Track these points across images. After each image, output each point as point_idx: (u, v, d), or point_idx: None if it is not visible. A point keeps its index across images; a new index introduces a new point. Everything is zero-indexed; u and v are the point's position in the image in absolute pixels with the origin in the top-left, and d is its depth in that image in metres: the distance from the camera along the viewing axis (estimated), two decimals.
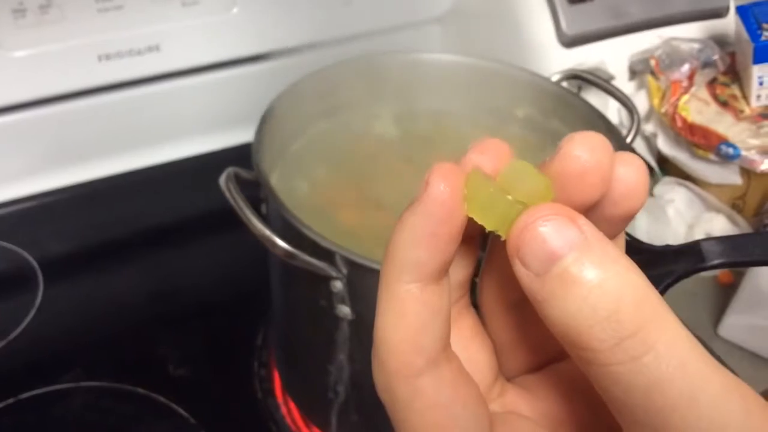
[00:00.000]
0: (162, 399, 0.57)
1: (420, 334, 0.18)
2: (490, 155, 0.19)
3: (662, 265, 0.24)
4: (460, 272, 0.21)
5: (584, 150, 0.18)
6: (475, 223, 0.19)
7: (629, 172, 0.19)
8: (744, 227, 0.68)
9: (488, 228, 0.18)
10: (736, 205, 0.70)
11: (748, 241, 0.25)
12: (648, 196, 0.19)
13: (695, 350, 0.16)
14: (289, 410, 0.59)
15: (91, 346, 0.62)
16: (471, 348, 0.22)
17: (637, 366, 0.16)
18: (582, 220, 0.17)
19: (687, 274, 0.26)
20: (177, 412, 0.57)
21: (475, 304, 0.23)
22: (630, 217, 0.19)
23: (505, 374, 0.23)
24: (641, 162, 0.19)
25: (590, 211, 0.19)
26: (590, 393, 0.20)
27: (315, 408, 0.56)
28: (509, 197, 0.18)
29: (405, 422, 0.19)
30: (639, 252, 0.24)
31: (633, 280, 0.17)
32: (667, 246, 0.24)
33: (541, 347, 0.22)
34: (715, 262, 0.24)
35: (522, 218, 0.17)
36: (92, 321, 0.64)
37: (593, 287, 0.16)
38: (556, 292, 0.17)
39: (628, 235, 0.26)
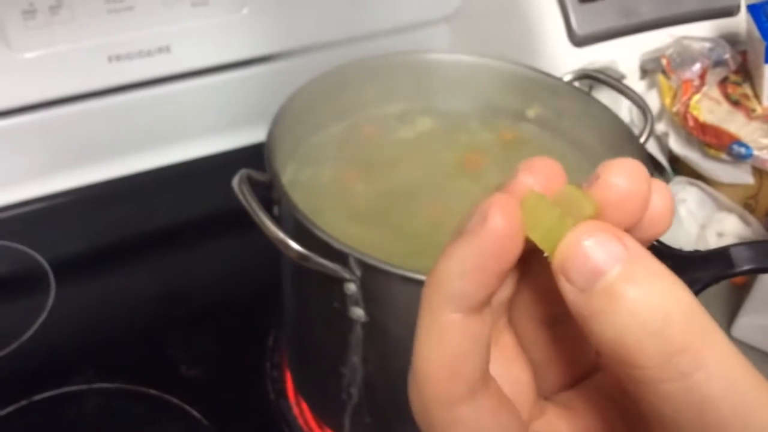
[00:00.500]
0: (174, 400, 0.57)
1: (460, 362, 0.18)
2: (541, 175, 0.19)
3: (691, 270, 0.24)
4: (501, 293, 0.21)
5: (623, 178, 0.18)
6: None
7: (658, 199, 0.19)
8: (756, 227, 0.68)
9: (540, 245, 0.18)
10: (749, 204, 0.70)
11: None
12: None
13: (745, 367, 0.16)
14: (301, 411, 0.59)
15: (104, 347, 0.62)
16: (515, 367, 0.22)
17: (688, 383, 0.16)
18: (627, 237, 0.17)
19: (716, 280, 0.25)
20: (189, 413, 0.57)
21: None
22: (653, 240, 0.20)
23: (543, 392, 0.22)
24: (668, 188, 0.19)
25: None
26: (625, 405, 0.20)
27: (328, 409, 0.56)
28: (559, 214, 0.18)
29: None
30: (668, 257, 0.24)
31: (680, 295, 0.16)
32: (696, 251, 0.24)
33: (575, 363, 0.22)
34: (745, 267, 0.24)
35: (568, 236, 0.17)
36: (104, 322, 0.64)
37: (640, 302, 0.16)
38: (602, 308, 0.16)
39: (657, 240, 0.26)
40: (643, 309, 0.16)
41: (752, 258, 0.24)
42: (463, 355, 0.18)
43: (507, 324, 0.22)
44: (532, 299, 0.21)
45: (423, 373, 0.18)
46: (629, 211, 0.18)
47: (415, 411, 0.19)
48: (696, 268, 0.24)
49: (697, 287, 0.26)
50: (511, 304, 0.22)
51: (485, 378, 0.19)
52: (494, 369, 0.20)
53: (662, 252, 0.24)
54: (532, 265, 0.21)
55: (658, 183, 0.19)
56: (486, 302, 0.18)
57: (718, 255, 0.24)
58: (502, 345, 0.22)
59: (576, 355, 0.22)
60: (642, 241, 0.19)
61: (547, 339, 0.22)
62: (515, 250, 0.18)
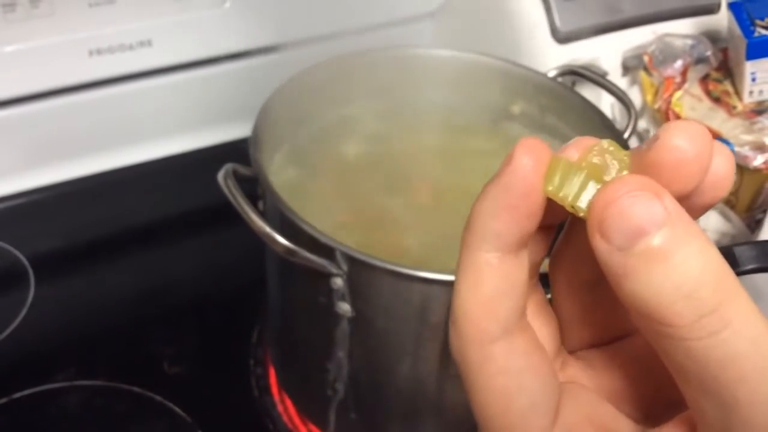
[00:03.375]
0: (157, 397, 0.57)
1: (496, 302, 0.19)
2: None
3: None
4: (533, 256, 0.21)
5: (684, 140, 0.18)
6: (556, 210, 0.19)
7: (720, 162, 0.19)
8: (737, 223, 0.68)
9: (567, 205, 0.18)
10: (729, 200, 0.70)
11: None
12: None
13: (766, 327, 0.17)
14: (285, 408, 0.58)
15: (85, 344, 0.62)
16: (537, 322, 0.22)
17: (714, 341, 0.16)
18: (666, 196, 0.17)
19: None
20: (172, 410, 0.56)
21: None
22: (712, 206, 0.20)
23: (568, 348, 0.23)
24: (729, 151, 0.19)
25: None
26: (652, 370, 0.21)
27: (312, 406, 0.56)
28: (594, 176, 0.18)
29: (475, 385, 0.20)
30: None
31: (713, 257, 0.17)
32: None
33: (607, 325, 0.23)
34: (748, 267, 0.24)
35: (607, 192, 0.17)
36: (85, 319, 0.64)
37: (677, 265, 0.16)
38: (638, 268, 0.17)
39: None
40: (680, 271, 0.16)
41: (756, 257, 0.24)
42: (498, 295, 0.19)
43: (536, 284, 0.22)
44: (572, 260, 0.22)
45: (460, 310, 0.19)
46: (690, 175, 0.18)
47: (452, 347, 0.20)
48: None
49: None
50: (551, 264, 0.22)
51: (521, 320, 0.20)
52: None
53: None
54: (575, 227, 0.21)
55: (720, 145, 0.19)
56: (521, 243, 0.19)
57: (723, 254, 0.24)
58: (533, 299, 0.22)
59: (608, 318, 0.22)
60: (702, 206, 0.19)
61: (582, 299, 0.22)
62: (540, 188, 0.18)
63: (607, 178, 0.18)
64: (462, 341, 0.19)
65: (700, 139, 0.18)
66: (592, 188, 0.18)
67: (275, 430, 0.57)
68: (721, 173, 0.19)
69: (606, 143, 0.19)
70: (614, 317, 0.22)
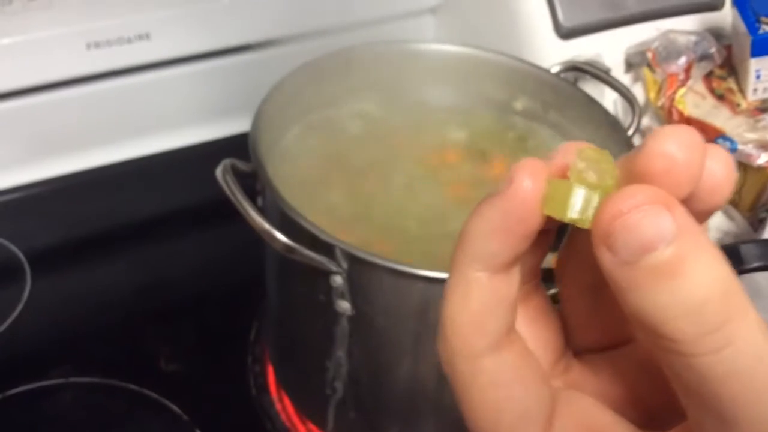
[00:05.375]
0: (154, 395, 0.56)
1: (484, 318, 0.19)
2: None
3: None
4: (532, 259, 0.21)
5: (672, 146, 0.17)
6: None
7: (716, 167, 0.18)
8: (740, 222, 0.68)
9: (568, 221, 0.18)
10: (732, 199, 0.70)
11: None
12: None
13: None
14: (284, 406, 0.58)
15: (81, 340, 0.61)
16: (536, 326, 0.22)
17: (717, 358, 0.16)
18: (676, 208, 0.16)
19: None
20: (169, 408, 0.56)
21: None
22: (713, 213, 0.19)
23: (574, 349, 0.23)
24: (728, 156, 0.18)
25: None
26: (657, 376, 0.20)
27: (311, 404, 0.56)
28: (587, 186, 0.18)
29: (466, 398, 0.20)
30: None
31: (721, 273, 0.16)
32: None
33: (613, 329, 0.22)
34: (754, 264, 0.24)
35: (614, 204, 0.17)
36: (82, 315, 0.63)
37: (683, 281, 0.16)
38: (644, 283, 0.16)
39: None
40: (686, 288, 0.16)
41: (761, 256, 0.24)
42: (486, 312, 0.19)
43: (537, 286, 0.22)
44: (576, 264, 0.22)
45: (448, 326, 0.19)
46: (680, 182, 0.17)
47: (442, 361, 0.20)
48: None
49: None
50: (556, 267, 0.22)
51: (509, 334, 0.20)
52: (522, 325, 0.21)
53: None
54: (578, 232, 0.21)
55: (715, 149, 0.18)
56: (512, 263, 0.19)
57: (728, 252, 0.24)
58: (527, 305, 0.22)
59: (613, 323, 0.22)
60: (702, 213, 0.19)
61: (587, 304, 0.22)
62: (540, 212, 0.18)
63: (602, 186, 0.18)
64: (451, 355, 0.19)
65: (690, 145, 0.17)
66: (594, 201, 0.18)
67: (273, 429, 0.57)
68: (717, 178, 0.18)
69: (591, 152, 0.18)
70: (620, 321, 0.22)
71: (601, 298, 0.21)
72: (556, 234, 0.21)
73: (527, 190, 0.18)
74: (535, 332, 0.22)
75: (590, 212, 0.18)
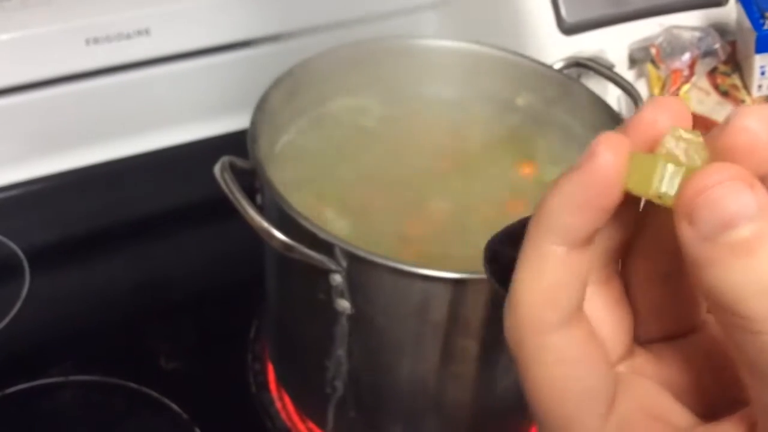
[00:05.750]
0: (154, 393, 0.56)
1: (557, 293, 0.19)
2: (669, 114, 0.19)
3: None
4: (616, 237, 0.21)
5: (755, 122, 0.17)
6: (633, 199, 0.19)
7: None
8: None
9: (651, 198, 0.18)
10: None
11: None
12: None
13: None
14: (284, 405, 0.58)
15: (81, 339, 0.61)
16: (613, 311, 0.22)
17: None
18: (758, 187, 0.17)
19: None
20: (169, 406, 0.56)
21: None
22: None
23: (640, 338, 0.23)
24: None
25: None
26: (718, 366, 0.21)
27: (311, 403, 0.55)
28: (674, 163, 0.18)
29: (531, 375, 0.20)
30: None
31: None
32: None
33: (679, 319, 0.22)
34: None
35: (699, 179, 0.17)
36: (81, 313, 0.63)
37: (761, 260, 0.16)
38: (723, 259, 0.16)
39: None
40: (762, 267, 0.16)
41: None
42: (559, 286, 0.19)
43: (618, 270, 0.22)
44: (650, 250, 0.22)
45: (520, 298, 0.19)
46: (761, 159, 0.18)
47: (508, 334, 0.20)
48: None
49: None
50: (628, 252, 0.22)
51: (578, 312, 0.20)
52: (597, 309, 0.21)
53: None
54: (652, 218, 0.21)
55: None
56: (589, 238, 0.19)
57: None
58: (609, 288, 0.22)
59: (682, 312, 0.22)
60: None
61: (657, 291, 0.22)
62: (619, 187, 0.18)
63: (690, 164, 0.18)
64: (520, 330, 0.19)
65: None
66: (677, 176, 0.18)
67: (273, 427, 0.57)
68: None
69: (684, 131, 0.19)
70: (686, 311, 0.22)
71: (669, 286, 0.22)
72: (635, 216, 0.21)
73: (609, 163, 0.18)
74: (611, 316, 0.22)
75: (673, 190, 0.18)
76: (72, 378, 0.57)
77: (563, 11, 0.71)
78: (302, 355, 0.54)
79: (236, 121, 0.73)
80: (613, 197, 0.18)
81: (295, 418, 0.57)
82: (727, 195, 0.16)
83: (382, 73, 0.60)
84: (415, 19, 0.82)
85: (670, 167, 0.18)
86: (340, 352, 0.48)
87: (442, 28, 0.82)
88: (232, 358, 0.60)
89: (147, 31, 0.69)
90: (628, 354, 0.23)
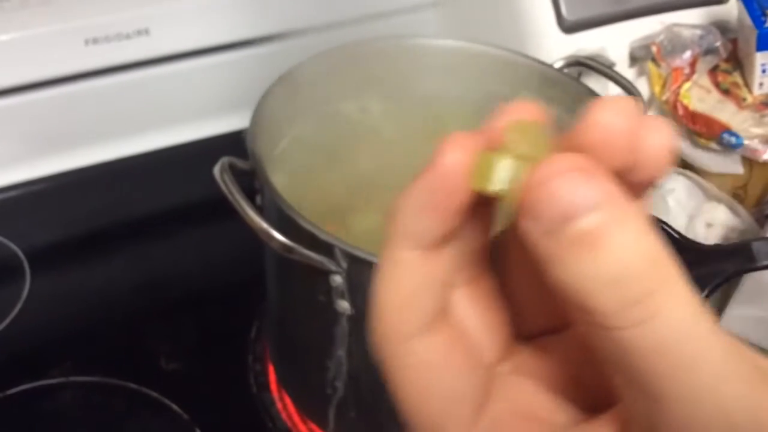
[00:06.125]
0: (154, 394, 0.56)
1: (414, 299, 0.19)
2: (526, 115, 0.19)
3: (712, 264, 0.23)
4: (482, 234, 0.20)
5: (610, 115, 0.17)
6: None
7: (653, 137, 0.18)
8: (745, 217, 0.67)
9: (497, 196, 0.18)
10: (737, 194, 0.69)
11: None
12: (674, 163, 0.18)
13: (701, 318, 0.16)
14: (284, 405, 0.58)
15: (81, 339, 0.61)
16: (484, 309, 0.21)
17: (642, 331, 0.15)
18: (601, 175, 0.16)
19: (737, 274, 0.25)
20: (169, 407, 0.56)
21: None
22: (653, 184, 0.19)
23: (524, 334, 0.22)
24: (667, 125, 0.18)
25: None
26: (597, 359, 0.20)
27: (312, 403, 0.55)
28: (515, 159, 0.17)
29: (396, 381, 0.19)
30: (689, 250, 0.23)
31: (647, 243, 0.16)
32: (718, 245, 0.24)
33: (557, 313, 0.22)
34: (766, 262, 0.23)
35: (537, 172, 0.16)
36: (82, 314, 0.63)
37: (607, 251, 0.15)
38: (566, 252, 0.16)
39: (678, 234, 0.25)
40: (608, 259, 0.15)
41: None
42: (416, 291, 0.19)
43: (486, 268, 0.21)
44: (521, 245, 0.21)
45: (379, 306, 0.19)
46: (620, 151, 0.17)
47: (373, 344, 0.19)
48: (718, 262, 0.23)
49: (718, 280, 0.25)
50: (501, 247, 0.21)
51: (441, 316, 0.19)
52: (469, 308, 0.21)
53: (684, 245, 0.23)
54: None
55: (654, 120, 0.18)
56: (443, 240, 0.18)
57: (740, 249, 0.23)
58: (482, 286, 0.21)
59: (557, 306, 0.21)
60: (640, 185, 0.18)
61: (533, 285, 0.21)
62: (466, 187, 0.18)
63: (530, 159, 0.17)
64: (382, 337, 0.19)
65: (627, 114, 0.17)
66: (513, 172, 0.17)
67: (274, 428, 0.56)
68: (654, 149, 0.18)
69: (524, 124, 0.18)
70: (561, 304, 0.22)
71: (543, 281, 0.21)
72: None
73: (451, 163, 0.17)
74: (486, 315, 0.21)
75: (508, 185, 0.17)
76: (72, 379, 0.57)
77: (563, 9, 0.70)
78: (303, 355, 0.54)
79: (236, 121, 0.73)
80: (460, 198, 0.18)
81: (296, 418, 0.57)
82: (566, 186, 0.16)
83: (382, 72, 0.60)
84: (414, 19, 0.81)
85: (506, 162, 0.17)
86: (341, 352, 0.48)
87: (442, 28, 0.82)
88: (232, 358, 0.60)
89: (147, 31, 0.69)
90: (509, 352, 0.22)
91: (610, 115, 0.17)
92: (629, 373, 0.16)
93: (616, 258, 0.15)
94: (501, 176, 0.17)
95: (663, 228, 0.25)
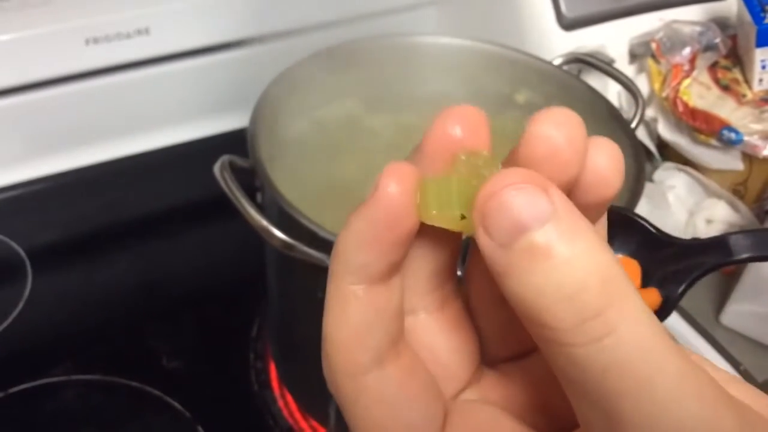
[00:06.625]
0: (156, 392, 0.56)
1: (364, 333, 0.18)
2: (461, 124, 0.18)
3: (690, 257, 0.23)
4: (440, 260, 0.20)
5: (550, 128, 0.17)
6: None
7: (602, 157, 0.18)
8: (745, 213, 0.67)
9: (447, 223, 0.17)
10: (737, 191, 0.69)
11: None
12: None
13: (656, 335, 0.15)
14: (286, 403, 0.58)
15: (83, 338, 0.61)
16: (451, 336, 0.21)
17: (597, 348, 0.15)
18: (553, 190, 0.16)
19: (715, 268, 0.25)
20: (171, 405, 0.56)
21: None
22: (603, 205, 0.18)
23: (489, 360, 0.22)
24: (615, 146, 0.18)
25: None
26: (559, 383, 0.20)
27: (313, 401, 0.55)
28: (459, 181, 0.17)
29: (352, 418, 0.19)
30: (667, 245, 0.23)
31: (601, 258, 0.16)
32: (695, 239, 0.24)
33: (522, 338, 0.21)
34: (743, 255, 0.24)
35: (489, 185, 0.16)
36: (83, 313, 0.63)
37: (560, 264, 0.15)
38: (520, 266, 0.16)
39: (655, 228, 0.26)
40: (561, 271, 0.15)
41: (751, 246, 0.24)
42: (366, 326, 0.18)
43: (453, 293, 0.21)
44: (483, 273, 0.20)
45: (329, 342, 0.18)
46: (564, 163, 0.17)
47: (326, 379, 0.19)
48: (695, 256, 0.23)
49: (695, 274, 0.25)
50: (464, 277, 0.21)
51: (396, 347, 0.19)
52: (432, 335, 0.20)
53: (661, 240, 0.23)
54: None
55: (602, 140, 0.18)
56: (389, 272, 0.18)
57: (717, 243, 0.23)
58: (445, 312, 0.21)
59: (523, 330, 0.21)
60: (590, 206, 0.18)
61: (496, 310, 0.21)
62: (410, 218, 0.17)
63: (478, 181, 0.17)
64: (334, 374, 0.18)
65: (569, 125, 0.17)
66: (463, 195, 0.17)
67: (275, 426, 0.57)
68: (602, 169, 0.18)
69: (469, 154, 0.18)
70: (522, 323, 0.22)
71: (508, 307, 0.21)
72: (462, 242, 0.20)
73: (392, 195, 0.17)
74: (449, 342, 0.21)
75: (459, 210, 0.17)
76: (74, 377, 0.57)
77: (563, 6, 0.70)
78: (304, 353, 0.54)
79: (236, 120, 0.73)
80: (404, 229, 0.17)
81: (298, 416, 0.57)
82: (517, 198, 0.16)
83: (382, 70, 0.60)
84: (414, 16, 0.82)
85: (460, 189, 0.17)
86: None
87: (442, 25, 0.82)
88: (234, 356, 0.60)
89: (146, 31, 0.69)
90: (475, 378, 0.21)
91: (549, 127, 0.17)
92: (587, 392, 0.16)
93: (568, 271, 0.15)
94: (449, 201, 0.17)
95: (639, 222, 0.25)
